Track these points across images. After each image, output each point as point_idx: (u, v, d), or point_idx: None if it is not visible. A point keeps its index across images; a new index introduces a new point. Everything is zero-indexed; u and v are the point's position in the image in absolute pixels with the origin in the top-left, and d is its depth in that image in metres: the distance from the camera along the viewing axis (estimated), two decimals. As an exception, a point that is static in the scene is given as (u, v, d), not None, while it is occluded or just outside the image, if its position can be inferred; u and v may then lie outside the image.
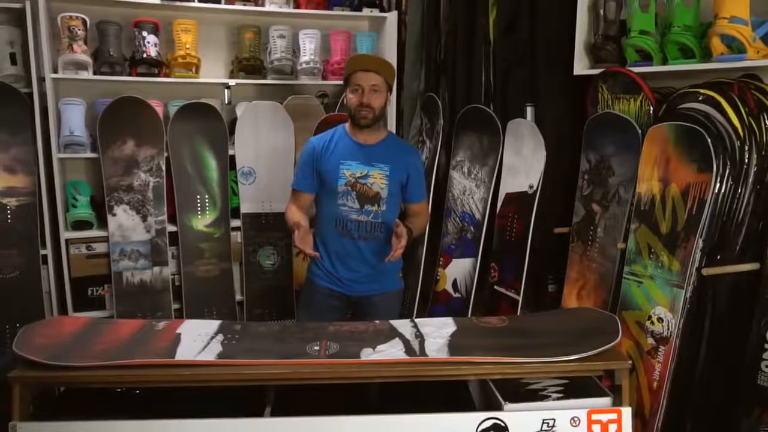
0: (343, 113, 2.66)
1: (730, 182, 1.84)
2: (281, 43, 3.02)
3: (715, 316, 1.90)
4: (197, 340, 1.62)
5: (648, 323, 1.98)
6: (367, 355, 1.57)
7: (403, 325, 1.79)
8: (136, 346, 1.59)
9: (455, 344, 1.63)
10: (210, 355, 1.55)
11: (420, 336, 1.69)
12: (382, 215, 2.18)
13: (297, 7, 3.06)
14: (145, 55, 2.79)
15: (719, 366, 1.90)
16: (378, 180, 2.17)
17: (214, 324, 1.77)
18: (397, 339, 1.67)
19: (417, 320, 1.85)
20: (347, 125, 2.23)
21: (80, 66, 2.70)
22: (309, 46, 3.05)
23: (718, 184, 1.83)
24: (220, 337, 1.66)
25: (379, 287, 2.24)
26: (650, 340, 1.97)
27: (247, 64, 3.01)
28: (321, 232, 2.25)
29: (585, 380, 1.61)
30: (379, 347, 1.61)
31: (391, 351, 1.59)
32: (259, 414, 1.59)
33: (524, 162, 2.55)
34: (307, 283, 2.31)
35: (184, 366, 1.51)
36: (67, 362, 1.47)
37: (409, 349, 1.61)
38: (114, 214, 2.76)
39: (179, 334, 1.67)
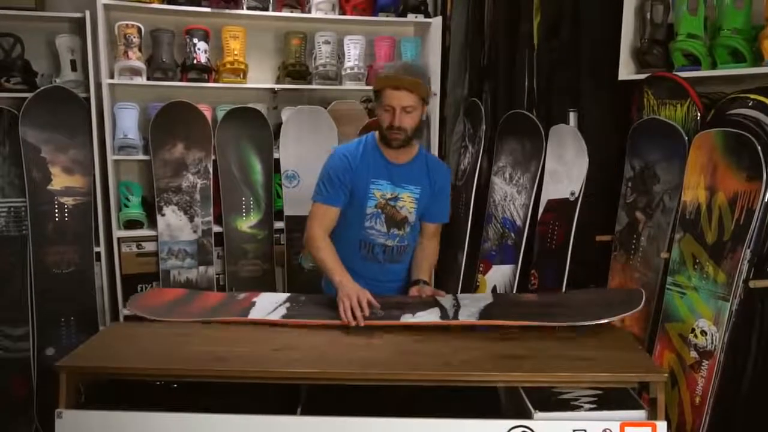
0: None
1: (781, 191, 1.77)
2: (326, 49, 3.07)
3: (764, 331, 1.82)
4: (268, 306, 1.95)
5: (691, 336, 1.92)
6: (407, 318, 1.80)
7: (445, 299, 2.00)
8: (219, 309, 1.95)
9: (486, 312, 1.85)
10: (276, 315, 1.87)
11: (457, 305, 1.91)
12: (406, 238, 2.10)
13: (342, 13, 3.11)
14: (195, 61, 2.89)
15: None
16: (407, 203, 2.05)
17: (283, 295, 2.12)
18: (436, 308, 1.89)
19: (458, 295, 2.11)
20: (377, 135, 2.07)
21: (135, 72, 2.82)
22: (354, 52, 3.10)
23: (768, 193, 1.76)
24: (287, 304, 1.99)
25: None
26: (693, 354, 1.90)
27: (293, 70, 3.06)
28: (341, 253, 2.03)
29: (619, 391, 1.57)
30: (419, 313, 1.84)
31: (427, 316, 1.81)
32: (291, 412, 1.62)
33: (566, 168, 2.50)
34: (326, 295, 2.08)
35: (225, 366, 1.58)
36: (167, 318, 1.86)
37: (444, 315, 1.83)
38: (163, 214, 2.87)
39: (254, 301, 2.01)
